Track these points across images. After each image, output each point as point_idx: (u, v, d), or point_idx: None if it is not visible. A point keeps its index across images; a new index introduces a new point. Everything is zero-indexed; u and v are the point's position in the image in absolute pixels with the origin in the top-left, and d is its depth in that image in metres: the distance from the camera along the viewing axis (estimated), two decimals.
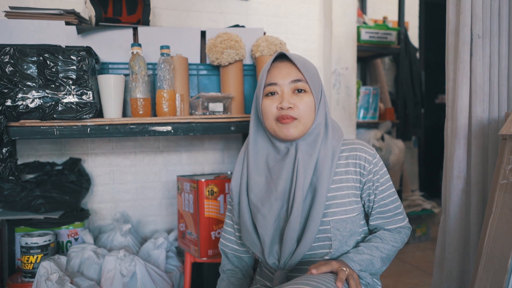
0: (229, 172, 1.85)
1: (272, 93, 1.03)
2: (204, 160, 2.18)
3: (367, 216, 1.09)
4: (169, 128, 1.45)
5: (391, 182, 1.08)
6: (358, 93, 2.61)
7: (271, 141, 1.08)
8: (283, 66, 1.03)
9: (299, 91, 1.02)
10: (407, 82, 2.90)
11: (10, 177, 1.29)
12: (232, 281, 1.14)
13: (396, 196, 1.08)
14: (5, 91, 1.30)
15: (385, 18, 2.76)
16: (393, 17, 2.91)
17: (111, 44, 1.61)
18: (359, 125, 2.65)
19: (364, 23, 2.66)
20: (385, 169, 1.08)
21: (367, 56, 2.85)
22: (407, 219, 1.11)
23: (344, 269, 0.91)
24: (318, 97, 1.04)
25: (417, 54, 3.15)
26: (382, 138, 2.60)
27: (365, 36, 2.51)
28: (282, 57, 1.05)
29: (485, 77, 1.22)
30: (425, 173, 3.49)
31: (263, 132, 1.10)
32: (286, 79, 1.01)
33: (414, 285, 2.18)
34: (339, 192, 1.02)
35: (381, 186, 1.04)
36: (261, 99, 1.04)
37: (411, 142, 3.19)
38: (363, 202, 1.06)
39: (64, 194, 1.77)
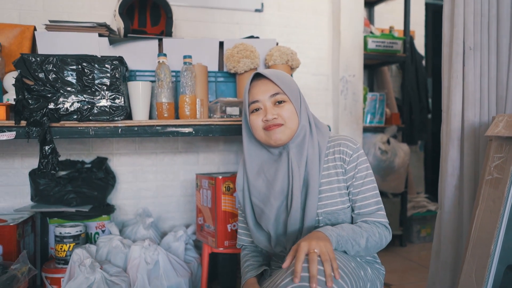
0: None
1: (257, 109, 1.16)
2: (219, 161, 2.34)
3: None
4: (190, 129, 1.60)
5: (372, 178, 1.13)
6: (365, 99, 2.74)
7: (265, 147, 1.21)
8: (261, 83, 1.16)
9: (279, 102, 1.14)
10: (413, 89, 3.02)
11: (52, 171, 1.46)
12: (254, 255, 1.28)
13: (376, 192, 1.12)
14: (49, 95, 1.47)
15: (391, 28, 2.89)
16: (400, 26, 3.05)
17: (138, 54, 1.78)
18: (366, 130, 2.78)
19: (371, 32, 2.80)
20: (367, 164, 1.13)
21: (374, 64, 2.98)
22: (386, 219, 1.11)
23: (315, 250, 0.91)
24: (298, 104, 1.16)
25: (423, 62, 3.27)
26: (388, 142, 2.73)
27: (371, 45, 2.65)
28: (259, 75, 1.18)
29: (476, 85, 1.36)
30: (431, 176, 3.60)
31: (255, 141, 1.23)
32: (265, 95, 1.14)
33: (418, 280, 2.30)
34: (328, 186, 1.13)
35: (358, 180, 1.11)
36: (248, 115, 1.18)
37: (417, 146, 3.30)
38: (348, 196, 1.13)
39: (93, 190, 1.94)
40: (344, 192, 1.13)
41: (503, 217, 1.12)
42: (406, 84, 2.91)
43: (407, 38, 2.81)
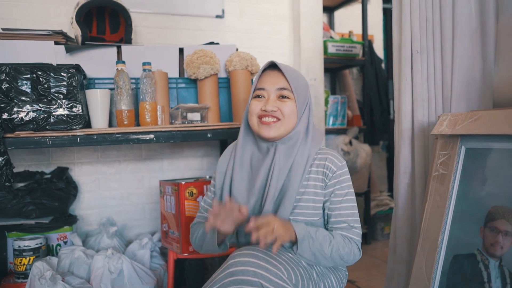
0: (207, 177, 2.01)
1: (260, 96, 1.17)
2: (184, 167, 2.33)
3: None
4: (151, 136, 1.60)
5: (352, 197, 1.13)
6: (327, 102, 2.82)
7: (256, 140, 1.21)
8: (273, 74, 1.16)
9: (283, 97, 1.14)
10: (374, 91, 3.13)
11: (6, 184, 1.43)
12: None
13: (353, 211, 1.13)
14: (2, 105, 1.44)
15: (350, 32, 2.99)
16: (359, 31, 3.15)
17: (96, 61, 1.77)
18: (329, 132, 2.85)
19: (331, 37, 2.89)
20: (349, 183, 1.13)
21: (336, 68, 3.07)
22: (360, 239, 1.14)
23: (274, 225, 0.99)
24: (302, 107, 1.16)
25: (383, 65, 3.39)
26: (350, 143, 2.81)
27: (332, 49, 2.73)
28: (274, 66, 1.17)
29: (424, 86, 1.43)
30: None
31: (251, 132, 1.23)
32: (273, 86, 1.15)
33: (382, 276, 2.37)
34: (305, 196, 1.12)
35: (337, 197, 1.12)
36: (250, 100, 1.18)
37: (379, 146, 3.41)
38: (323, 209, 1.14)
39: (53, 201, 1.90)
40: (319, 205, 1.13)
41: (448, 210, 1.19)
42: (366, 86, 3.01)
43: (366, 42, 2.91)
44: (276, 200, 1.13)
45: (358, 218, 1.14)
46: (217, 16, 2.40)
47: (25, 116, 1.46)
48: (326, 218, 1.15)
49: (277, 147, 1.15)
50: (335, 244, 1.08)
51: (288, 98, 1.14)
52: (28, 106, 1.47)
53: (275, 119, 1.13)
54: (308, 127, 1.18)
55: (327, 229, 1.16)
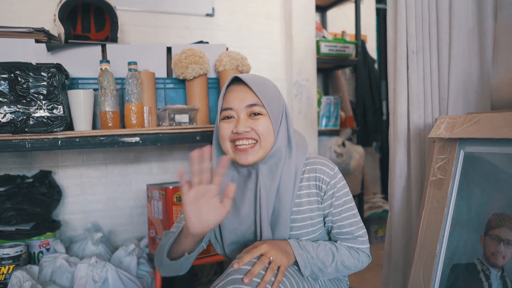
0: None
1: (229, 117, 1.03)
2: (173, 170, 2.26)
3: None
4: (137, 139, 1.53)
5: (351, 205, 1.06)
6: (319, 103, 2.76)
7: (234, 164, 1.08)
8: (239, 90, 1.02)
9: (255, 114, 1.01)
10: (366, 92, 3.09)
11: None
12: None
13: (357, 219, 1.06)
14: None
15: (343, 32, 2.94)
16: (352, 31, 3.10)
17: (80, 60, 1.69)
18: (322, 133, 2.80)
19: (324, 37, 2.83)
20: (345, 190, 1.05)
21: (328, 68, 3.02)
22: (367, 245, 1.07)
23: (270, 257, 0.91)
24: (277, 121, 1.03)
25: (376, 65, 3.35)
26: (343, 145, 2.76)
27: (324, 49, 2.68)
28: (238, 80, 1.04)
29: (420, 87, 1.38)
30: (387, 177, 3.66)
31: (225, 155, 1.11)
32: (241, 104, 1.00)
33: (376, 280, 2.33)
34: (300, 215, 1.03)
35: (336, 208, 1.04)
36: (219, 122, 1.04)
37: (372, 147, 3.37)
38: (324, 223, 1.06)
39: (35, 206, 1.82)
40: (318, 220, 1.05)
41: (447, 217, 1.14)
42: (359, 87, 2.97)
43: (359, 42, 2.87)
44: (271, 225, 1.03)
45: (362, 224, 1.06)
46: (207, 15, 2.33)
47: (2, 118, 1.38)
48: (328, 229, 1.08)
49: (259, 168, 1.03)
50: (339, 257, 1.02)
51: (260, 114, 1.01)
52: (5, 108, 1.39)
53: (250, 142, 1.01)
54: (290, 139, 1.05)
55: (331, 238, 1.09)
